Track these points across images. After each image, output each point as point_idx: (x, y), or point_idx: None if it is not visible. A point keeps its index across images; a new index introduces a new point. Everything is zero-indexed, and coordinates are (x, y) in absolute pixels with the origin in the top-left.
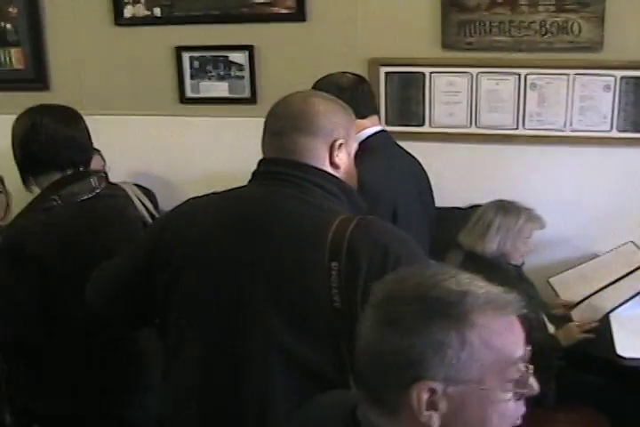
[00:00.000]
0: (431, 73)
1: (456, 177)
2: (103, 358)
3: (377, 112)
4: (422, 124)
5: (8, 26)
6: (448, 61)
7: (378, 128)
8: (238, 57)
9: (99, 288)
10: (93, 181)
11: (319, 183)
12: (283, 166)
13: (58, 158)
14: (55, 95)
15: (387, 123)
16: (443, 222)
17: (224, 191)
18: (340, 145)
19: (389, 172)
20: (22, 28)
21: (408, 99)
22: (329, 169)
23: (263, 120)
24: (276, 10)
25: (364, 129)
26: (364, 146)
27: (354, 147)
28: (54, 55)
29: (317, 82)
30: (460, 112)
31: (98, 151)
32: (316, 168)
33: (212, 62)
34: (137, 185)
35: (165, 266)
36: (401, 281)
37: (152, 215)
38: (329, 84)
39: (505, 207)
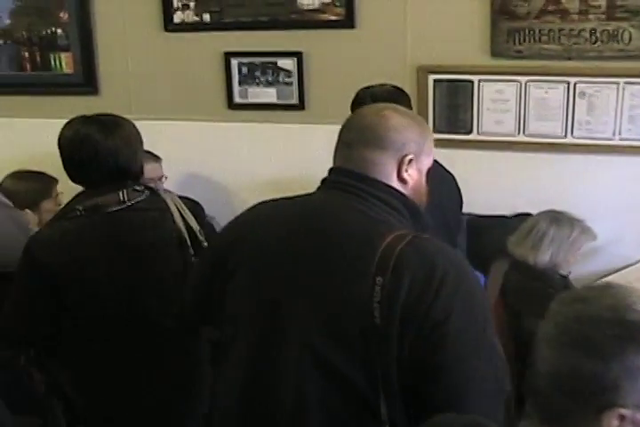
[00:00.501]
0: (480, 81)
1: (503, 185)
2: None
3: None
4: (470, 133)
5: (59, 31)
6: (497, 69)
7: None
8: (287, 63)
9: (184, 295)
10: (122, 194)
11: (382, 198)
12: (349, 178)
13: (98, 168)
14: (104, 100)
15: (434, 130)
16: (489, 230)
17: (293, 197)
18: (410, 160)
19: None
20: (73, 33)
21: (456, 107)
22: (396, 184)
23: (310, 126)
24: (325, 17)
25: None
26: None
27: (426, 163)
28: (104, 60)
29: (358, 92)
30: (509, 120)
31: (159, 160)
32: (381, 183)
33: (261, 68)
34: (186, 198)
35: (224, 267)
36: (588, 302)
37: (190, 229)
38: (364, 95)
39: (558, 219)
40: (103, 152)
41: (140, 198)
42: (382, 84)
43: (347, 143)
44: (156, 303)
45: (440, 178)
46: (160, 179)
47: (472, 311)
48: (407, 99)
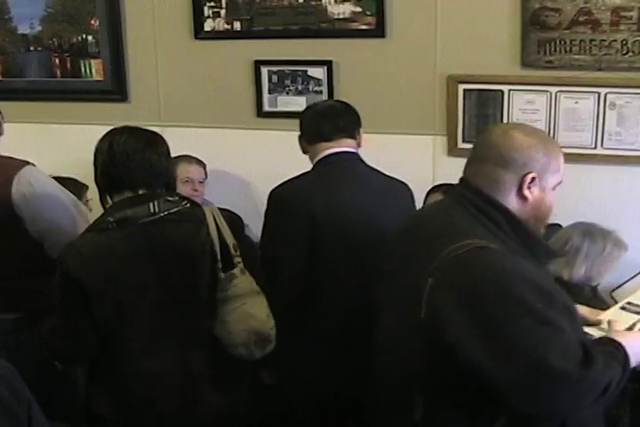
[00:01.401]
0: (510, 91)
1: None
2: None
3: (347, 136)
4: None
5: (89, 38)
6: (527, 79)
7: (341, 149)
8: (317, 72)
9: None
10: (152, 205)
11: (482, 209)
12: (466, 190)
13: (130, 180)
14: (134, 107)
15: (464, 140)
16: None
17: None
18: (533, 179)
19: (315, 185)
20: (103, 40)
21: (486, 116)
22: (514, 200)
23: None
24: (355, 25)
25: (326, 149)
26: (313, 167)
27: (552, 181)
28: (134, 67)
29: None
30: None
31: (202, 164)
32: (490, 197)
33: (291, 77)
34: (226, 210)
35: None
36: None
37: (224, 243)
38: (308, 108)
39: (591, 233)
40: (136, 164)
41: (174, 209)
42: (326, 100)
43: (472, 157)
44: (187, 316)
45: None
46: (202, 182)
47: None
48: (349, 115)
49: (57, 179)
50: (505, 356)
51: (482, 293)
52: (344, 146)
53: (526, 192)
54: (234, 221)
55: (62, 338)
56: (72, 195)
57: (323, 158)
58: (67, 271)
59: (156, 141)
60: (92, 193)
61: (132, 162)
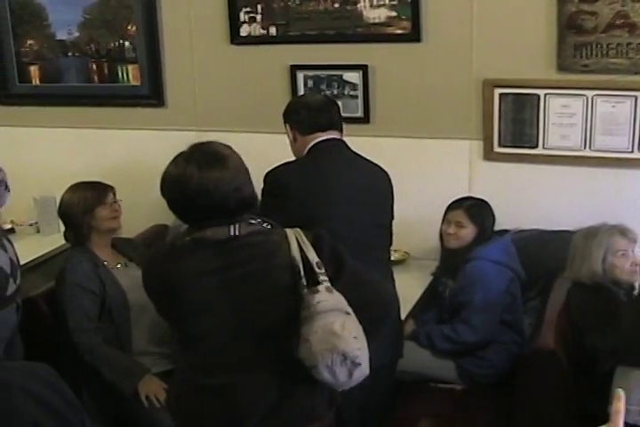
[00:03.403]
0: (546, 95)
1: (567, 200)
2: None
3: (337, 128)
4: (535, 147)
5: (126, 43)
6: (563, 83)
7: (330, 136)
8: (352, 76)
9: None
10: (233, 228)
11: None
12: None
13: (209, 206)
14: (170, 112)
15: (500, 145)
16: (552, 245)
17: None
18: None
19: (308, 171)
20: (140, 46)
21: (522, 120)
22: None
23: (375, 139)
24: (391, 30)
25: (317, 138)
26: (309, 152)
27: None
28: (170, 72)
29: (291, 101)
30: (575, 135)
31: None
32: None
33: (326, 81)
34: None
35: None
36: None
37: (307, 261)
38: (297, 103)
39: (589, 232)
40: (211, 190)
41: (253, 230)
42: (313, 94)
43: None
44: (260, 338)
45: None
46: None
47: None
48: (337, 108)
49: (82, 184)
50: None
51: None
52: (333, 135)
53: None
54: (318, 238)
55: None
56: None
57: (315, 144)
58: (146, 280)
59: (226, 160)
60: (120, 194)
61: (209, 188)
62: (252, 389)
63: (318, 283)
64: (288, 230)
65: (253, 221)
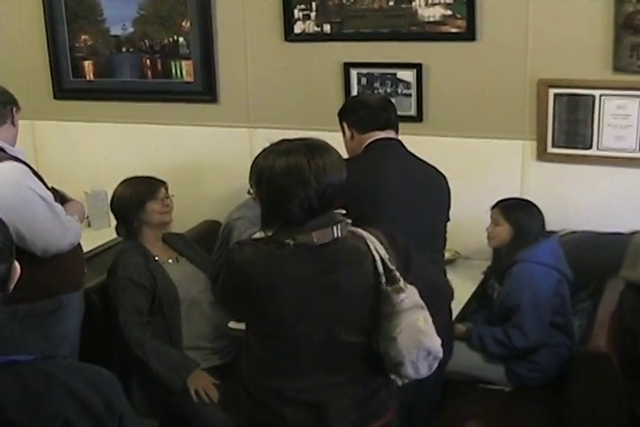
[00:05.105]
0: (601, 95)
1: (621, 202)
2: None
3: (394, 127)
4: (590, 148)
5: (180, 39)
6: (619, 84)
7: (387, 135)
8: (406, 75)
9: None
10: (336, 229)
11: None
12: None
13: (315, 202)
14: (223, 108)
15: (553, 145)
16: (606, 247)
17: None
18: None
19: (367, 168)
20: (194, 42)
21: (576, 121)
22: None
23: (428, 138)
24: (445, 29)
25: (374, 136)
26: (367, 149)
27: None
28: (224, 69)
29: (348, 99)
30: (630, 136)
31: None
32: None
33: (380, 79)
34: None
35: None
36: None
37: (382, 258)
38: (356, 101)
39: None
40: (328, 174)
41: (349, 230)
42: (371, 94)
43: None
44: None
45: None
46: None
47: None
48: (394, 109)
49: (135, 178)
50: None
51: None
52: (390, 134)
53: None
54: (392, 238)
55: None
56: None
57: (371, 142)
58: (233, 271)
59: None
60: (171, 190)
61: (320, 181)
62: (340, 390)
63: (395, 279)
64: (365, 233)
65: (349, 221)
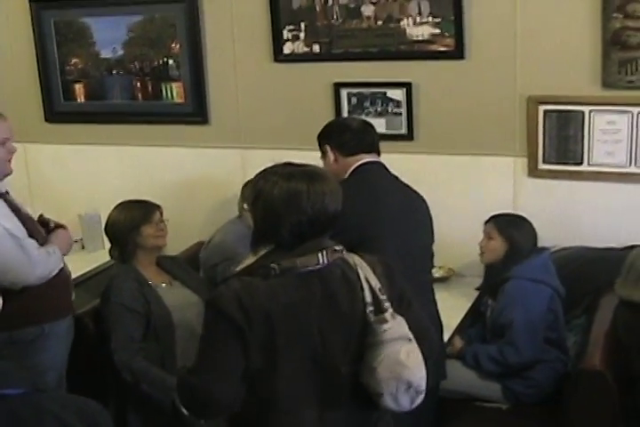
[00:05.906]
0: (591, 111)
1: (614, 217)
2: None
3: (377, 150)
4: (581, 163)
5: (170, 61)
6: (608, 100)
7: (373, 159)
8: (396, 93)
9: None
10: (321, 255)
11: None
12: None
13: (308, 228)
14: (214, 129)
15: (544, 161)
16: (598, 262)
17: None
18: None
19: (360, 192)
20: (184, 64)
21: (566, 137)
22: None
23: (419, 156)
24: (434, 47)
25: (360, 159)
26: (354, 173)
27: None
28: (214, 90)
29: (332, 122)
30: (620, 151)
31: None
32: None
33: (370, 99)
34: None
35: None
36: None
37: (371, 286)
38: (339, 125)
39: None
40: (325, 203)
41: (337, 257)
42: (349, 117)
43: None
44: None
45: None
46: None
47: None
48: (376, 131)
49: (129, 202)
50: None
51: None
52: (375, 157)
53: None
54: (388, 267)
55: (211, 380)
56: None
57: (359, 166)
58: (222, 314)
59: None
60: (164, 211)
61: (315, 207)
62: (339, 422)
63: (382, 309)
64: (351, 256)
65: (337, 248)
